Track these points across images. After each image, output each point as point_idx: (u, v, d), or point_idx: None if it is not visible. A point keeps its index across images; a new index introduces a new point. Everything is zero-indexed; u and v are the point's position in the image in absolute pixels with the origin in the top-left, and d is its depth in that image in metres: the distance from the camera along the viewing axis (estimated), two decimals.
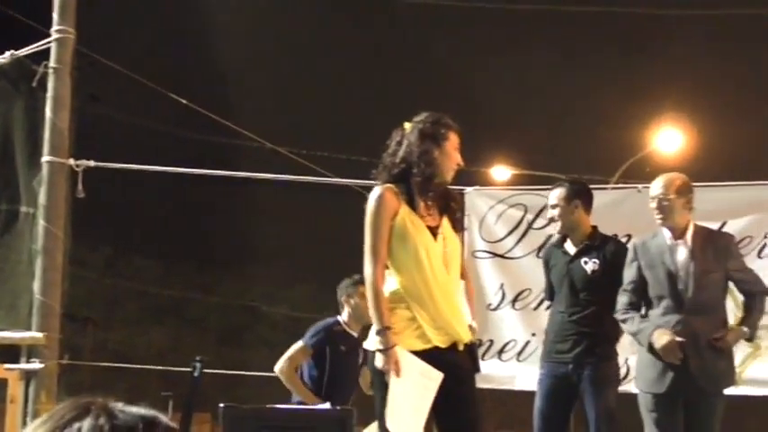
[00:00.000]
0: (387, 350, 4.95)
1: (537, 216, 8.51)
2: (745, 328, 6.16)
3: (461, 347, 5.12)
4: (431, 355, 5.01)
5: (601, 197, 7.65)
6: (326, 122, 27.39)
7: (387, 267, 5.12)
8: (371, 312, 5.03)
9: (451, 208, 5.24)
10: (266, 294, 28.14)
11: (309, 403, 7.12)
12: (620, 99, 26.12)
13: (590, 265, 6.46)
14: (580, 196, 6.62)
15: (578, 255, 6.54)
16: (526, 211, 8.57)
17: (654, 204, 6.31)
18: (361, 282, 6.71)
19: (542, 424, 6.47)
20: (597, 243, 6.53)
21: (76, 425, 1.73)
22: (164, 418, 1.80)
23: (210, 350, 24.34)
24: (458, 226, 5.28)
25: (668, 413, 6.15)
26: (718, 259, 6.12)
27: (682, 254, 6.21)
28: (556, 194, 6.63)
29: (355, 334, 7.59)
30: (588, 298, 6.41)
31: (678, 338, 6.08)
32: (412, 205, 5.10)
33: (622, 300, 6.30)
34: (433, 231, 5.12)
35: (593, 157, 22.59)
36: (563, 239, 6.74)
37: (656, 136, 20.55)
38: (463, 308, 5.29)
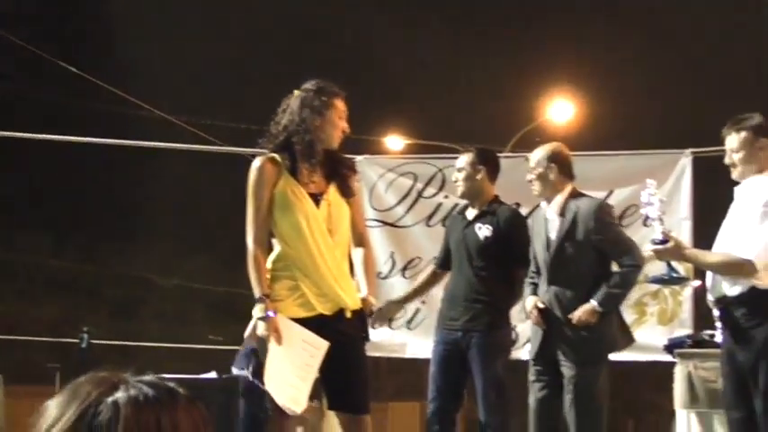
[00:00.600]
0: (267, 318, 4.97)
1: (427, 185, 8.57)
2: (594, 302, 6.10)
3: (349, 314, 5.11)
4: (315, 323, 5.01)
5: None
6: (220, 91, 27.16)
7: (272, 236, 5.14)
8: (252, 281, 5.02)
9: (342, 174, 5.22)
10: (160, 266, 27.88)
11: None
12: (514, 71, 26.29)
13: (483, 230, 6.49)
14: (486, 163, 6.64)
15: (474, 221, 6.58)
16: (416, 180, 8.63)
17: (529, 176, 6.36)
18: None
19: (436, 391, 6.50)
20: (493, 210, 6.57)
21: (109, 399, 1.71)
22: (179, 389, 1.80)
23: (104, 322, 24.06)
24: (348, 192, 5.23)
25: (537, 379, 6.26)
26: (587, 230, 6.15)
27: (553, 224, 6.28)
28: (463, 159, 6.65)
29: None
30: (480, 264, 6.45)
31: (540, 305, 6.20)
32: (294, 174, 5.10)
33: (531, 268, 6.42)
34: (316, 198, 5.12)
35: (486, 128, 22.75)
36: (465, 207, 6.79)
37: (549, 107, 20.79)
38: (360, 276, 5.30)
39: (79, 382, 1.77)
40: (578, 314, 6.07)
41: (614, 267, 6.33)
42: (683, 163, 8.30)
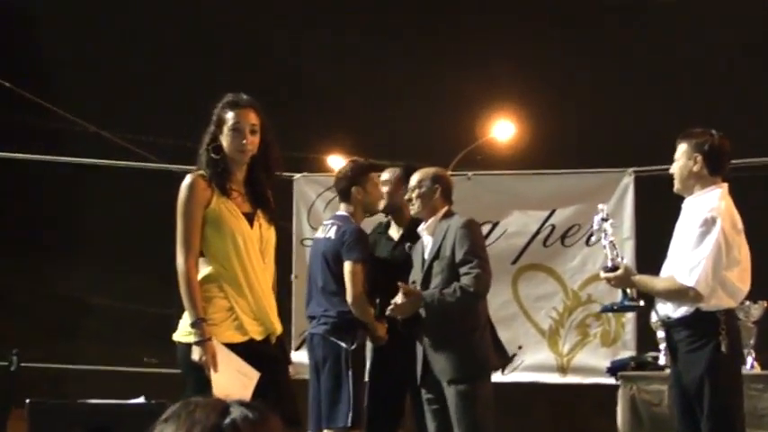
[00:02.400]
0: (203, 342, 4.82)
1: None
2: (422, 293, 6.01)
3: (273, 339, 5.03)
4: (247, 348, 4.91)
5: None
6: (154, 107, 26.98)
7: (201, 256, 4.99)
8: (185, 304, 4.88)
9: (265, 199, 5.11)
10: (93, 285, 27.55)
11: (380, 334, 6.51)
12: (457, 89, 26.36)
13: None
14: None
15: (402, 240, 6.71)
16: None
17: (409, 194, 6.34)
18: (369, 169, 6.73)
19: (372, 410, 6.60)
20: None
21: (227, 420, 1.98)
22: (263, 406, 2.09)
23: (35, 343, 23.67)
24: (272, 218, 5.13)
25: (429, 407, 6.18)
26: (452, 246, 6.08)
27: (427, 246, 6.26)
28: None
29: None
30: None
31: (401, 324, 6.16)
32: (224, 191, 4.98)
33: None
34: (249, 218, 5.02)
35: (429, 147, 22.74)
36: (388, 225, 6.91)
37: (492, 126, 20.87)
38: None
39: (187, 410, 2.00)
40: (398, 300, 6.01)
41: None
42: (626, 182, 8.29)
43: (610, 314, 7.98)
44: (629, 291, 5.58)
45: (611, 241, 5.55)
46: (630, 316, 8.03)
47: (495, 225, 8.41)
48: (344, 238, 6.52)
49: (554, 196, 8.41)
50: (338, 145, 21.62)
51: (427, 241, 6.26)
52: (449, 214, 6.26)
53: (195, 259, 4.92)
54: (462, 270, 6.00)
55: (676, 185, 5.48)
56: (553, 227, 8.37)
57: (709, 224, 5.21)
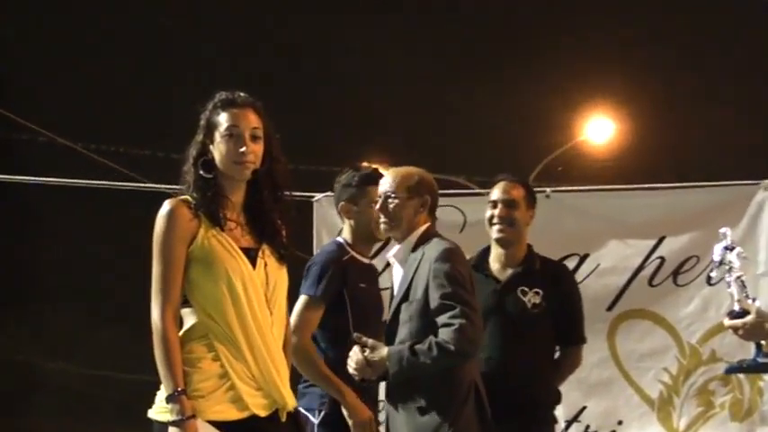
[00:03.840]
0: (184, 422, 4.76)
1: None
2: (385, 352, 5.85)
3: (284, 416, 4.97)
4: (248, 428, 4.86)
5: None
6: (129, 117, 27.48)
7: (187, 305, 4.94)
8: (160, 371, 4.84)
9: (272, 229, 5.07)
10: (49, 344, 27.84)
11: (343, 396, 6.25)
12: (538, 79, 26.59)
13: None
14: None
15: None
16: None
17: (377, 205, 6.13)
18: (369, 181, 6.45)
19: None
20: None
21: None
22: None
23: None
24: (284, 254, 5.08)
25: None
26: (424, 291, 5.91)
27: (396, 279, 6.13)
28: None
29: (367, 260, 6.73)
30: None
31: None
32: (216, 221, 4.93)
33: None
34: (251, 255, 4.96)
35: (493, 157, 22.79)
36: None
37: (584, 125, 20.81)
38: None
39: None
40: (355, 357, 5.90)
41: None
42: (760, 198, 8.26)
43: (740, 376, 7.93)
44: (764, 343, 5.46)
45: (739, 277, 5.43)
46: None
47: (583, 258, 8.35)
48: (306, 273, 6.41)
49: (663, 219, 8.36)
50: (374, 153, 21.60)
51: (397, 274, 6.13)
52: (426, 237, 6.10)
53: (174, 312, 4.87)
54: (440, 320, 5.82)
55: None
56: (662, 260, 8.32)
57: None
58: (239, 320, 4.87)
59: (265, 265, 4.98)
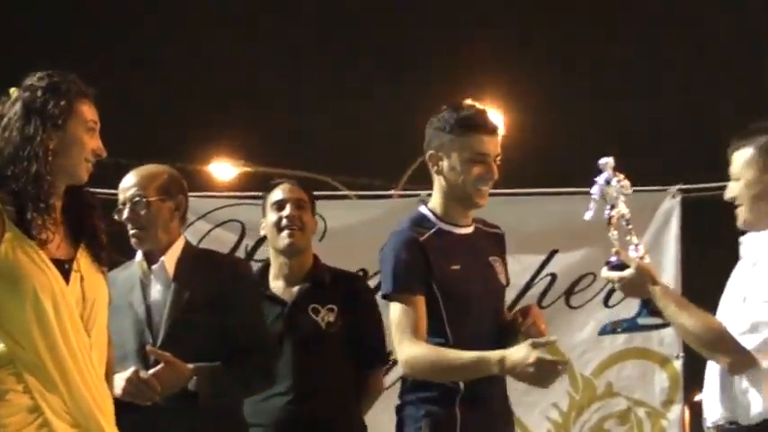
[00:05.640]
0: None
1: (261, 239, 8.18)
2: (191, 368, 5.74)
3: None
4: None
5: (380, 207, 8.43)
6: None
7: None
8: None
9: (94, 230, 4.96)
10: None
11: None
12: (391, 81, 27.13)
13: None
14: None
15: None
16: (244, 231, 8.51)
17: (125, 211, 5.91)
18: (471, 125, 5.84)
19: None
20: None
21: None
22: None
23: None
24: (103, 261, 4.96)
25: None
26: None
27: (156, 290, 5.95)
28: None
29: (464, 230, 5.95)
30: None
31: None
32: (25, 228, 4.75)
33: None
34: (63, 267, 4.80)
35: (366, 159, 22.99)
36: None
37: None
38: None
39: None
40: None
41: None
42: (668, 206, 8.43)
43: (640, 413, 7.98)
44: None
45: (623, 216, 5.36)
46: (675, 416, 8.02)
47: None
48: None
49: (556, 230, 8.43)
50: (225, 148, 21.57)
51: (158, 283, 5.98)
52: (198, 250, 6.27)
53: None
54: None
55: (744, 216, 5.38)
56: (553, 277, 8.42)
57: None
58: (48, 347, 4.72)
59: (80, 279, 4.83)
